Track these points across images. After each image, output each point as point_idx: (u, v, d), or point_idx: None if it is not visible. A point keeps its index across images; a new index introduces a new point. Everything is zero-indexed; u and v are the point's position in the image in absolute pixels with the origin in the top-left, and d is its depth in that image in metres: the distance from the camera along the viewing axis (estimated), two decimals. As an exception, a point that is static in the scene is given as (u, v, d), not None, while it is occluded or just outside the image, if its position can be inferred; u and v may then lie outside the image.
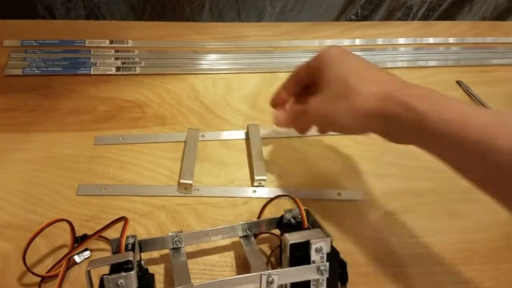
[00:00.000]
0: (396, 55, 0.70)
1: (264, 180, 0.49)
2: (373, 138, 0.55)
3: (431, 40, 0.74)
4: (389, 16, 0.89)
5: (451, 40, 0.75)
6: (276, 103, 0.47)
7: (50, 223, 0.37)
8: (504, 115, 0.30)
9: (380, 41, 0.73)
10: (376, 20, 0.88)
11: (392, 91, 0.34)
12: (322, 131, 0.43)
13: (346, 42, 0.71)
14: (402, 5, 0.87)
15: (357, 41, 0.72)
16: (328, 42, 0.70)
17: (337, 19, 0.87)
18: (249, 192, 0.49)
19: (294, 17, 0.83)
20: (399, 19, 0.89)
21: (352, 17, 0.88)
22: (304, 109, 0.40)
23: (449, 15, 0.89)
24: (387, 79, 0.36)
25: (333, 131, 0.40)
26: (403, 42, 0.73)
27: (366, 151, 0.54)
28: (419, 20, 0.89)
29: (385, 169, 0.52)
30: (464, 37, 0.76)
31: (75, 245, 0.40)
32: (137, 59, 0.61)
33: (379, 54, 0.70)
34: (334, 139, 0.55)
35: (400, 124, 0.33)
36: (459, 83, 0.66)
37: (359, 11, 0.89)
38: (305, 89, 0.44)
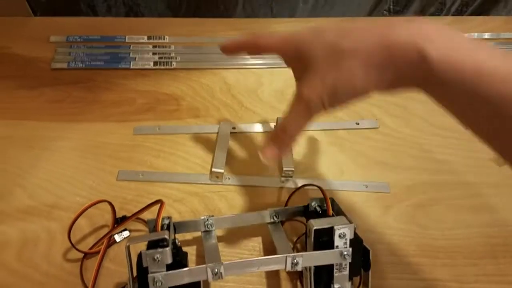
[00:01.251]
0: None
1: (292, 171, 0.51)
2: (399, 132, 0.56)
3: (465, 35, 0.74)
4: (421, 12, 0.88)
5: (486, 35, 0.75)
6: (227, 47, 0.39)
7: (94, 203, 0.41)
8: None
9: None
10: (408, 15, 0.88)
11: (399, 37, 0.29)
12: (327, 106, 0.33)
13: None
14: (435, 1, 0.87)
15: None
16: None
17: (369, 14, 0.87)
18: (277, 182, 0.51)
19: (326, 13, 0.84)
20: (432, 14, 0.88)
21: (385, 12, 0.88)
22: (299, 96, 0.33)
23: (483, 10, 0.87)
24: (385, 28, 0.30)
25: (341, 102, 0.32)
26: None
27: (391, 143, 0.55)
28: (452, 15, 0.88)
29: (410, 162, 0.53)
30: (500, 32, 0.75)
31: (115, 225, 0.44)
32: (173, 54, 0.64)
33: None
34: (360, 132, 0.56)
35: (406, 72, 0.29)
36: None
37: (391, 7, 0.88)
38: None
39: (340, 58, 0.31)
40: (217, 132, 0.55)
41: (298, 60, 0.34)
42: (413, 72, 0.29)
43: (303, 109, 0.33)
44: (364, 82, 0.31)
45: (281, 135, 0.35)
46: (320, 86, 0.32)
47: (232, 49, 0.40)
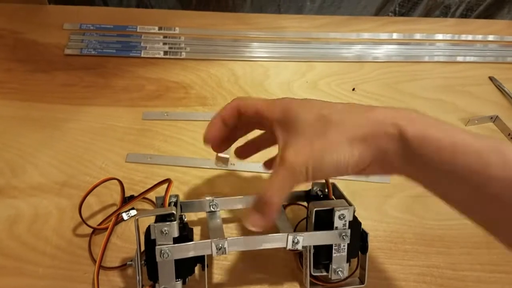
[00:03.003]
0: (432, 50, 0.72)
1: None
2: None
3: (469, 37, 0.75)
4: (426, 15, 0.90)
5: (490, 37, 0.76)
6: (210, 135, 0.39)
7: (104, 180, 0.42)
8: (499, 143, 0.27)
9: (417, 36, 0.74)
10: (414, 17, 0.89)
11: (380, 114, 0.31)
12: (310, 175, 0.32)
13: (383, 36, 0.73)
14: (440, 4, 0.88)
15: (394, 35, 0.74)
16: (366, 36, 0.72)
17: (375, 15, 0.89)
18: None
19: (332, 12, 0.86)
20: (437, 17, 0.90)
21: (390, 14, 0.90)
22: (283, 161, 0.32)
23: (487, 15, 0.89)
24: (369, 108, 0.32)
25: (323, 173, 0.32)
26: (441, 38, 0.75)
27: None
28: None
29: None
30: (503, 35, 0.77)
31: (123, 203, 0.45)
32: (183, 45, 0.66)
33: (415, 48, 0.71)
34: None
35: (387, 147, 0.30)
36: (491, 78, 0.67)
37: (397, 9, 0.90)
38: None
39: (327, 128, 0.31)
40: (224, 120, 0.56)
41: (284, 122, 0.34)
42: (394, 149, 0.30)
43: (287, 175, 0.32)
44: (347, 155, 0.31)
45: (264, 203, 0.33)
46: (308, 151, 0.31)
47: (213, 139, 0.39)
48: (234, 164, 0.52)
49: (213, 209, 0.44)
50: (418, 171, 0.31)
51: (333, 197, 0.42)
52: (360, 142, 0.31)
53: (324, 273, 0.40)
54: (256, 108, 0.36)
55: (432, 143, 0.28)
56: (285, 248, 0.38)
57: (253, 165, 0.52)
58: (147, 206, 0.48)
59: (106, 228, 0.45)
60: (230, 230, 0.47)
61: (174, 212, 0.37)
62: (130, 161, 0.51)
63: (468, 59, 0.71)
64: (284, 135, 0.34)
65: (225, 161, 0.51)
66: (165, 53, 0.65)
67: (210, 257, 0.42)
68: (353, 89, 0.62)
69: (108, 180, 0.43)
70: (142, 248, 0.38)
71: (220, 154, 0.51)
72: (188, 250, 0.37)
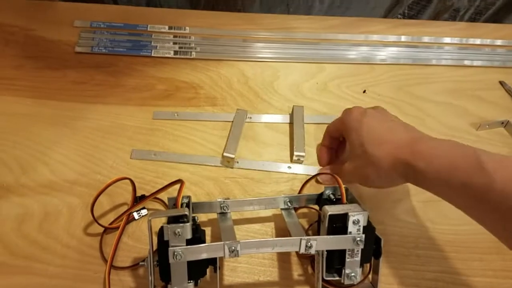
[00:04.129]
0: (440, 53, 0.71)
1: (302, 156, 0.52)
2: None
3: (477, 41, 0.75)
4: (435, 17, 0.90)
5: (498, 42, 0.76)
6: (323, 161, 0.53)
7: (117, 180, 0.42)
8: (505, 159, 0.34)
9: (426, 39, 0.74)
10: (423, 20, 0.89)
11: (400, 152, 0.40)
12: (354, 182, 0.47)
13: (392, 38, 0.73)
14: (449, 7, 0.88)
15: (403, 38, 0.73)
16: (375, 37, 0.72)
17: (384, 17, 0.89)
18: (284, 168, 0.53)
19: (341, 13, 0.85)
20: (446, 20, 0.89)
21: (399, 16, 0.90)
22: (341, 172, 0.47)
23: (496, 19, 0.89)
24: (396, 138, 0.42)
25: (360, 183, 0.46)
26: (449, 42, 0.74)
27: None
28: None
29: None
30: (512, 40, 0.77)
31: (135, 203, 0.45)
32: (193, 45, 0.66)
33: (423, 51, 0.71)
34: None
35: (414, 177, 0.39)
36: (501, 83, 0.66)
37: (406, 11, 0.90)
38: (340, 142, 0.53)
39: (366, 159, 0.43)
40: (233, 120, 0.56)
41: (343, 131, 0.48)
42: (406, 177, 0.40)
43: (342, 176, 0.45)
44: (374, 183, 0.44)
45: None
46: (350, 175, 0.46)
47: (326, 163, 0.53)
48: (238, 162, 0.52)
49: (224, 211, 0.44)
50: (424, 185, 0.40)
51: (346, 201, 0.42)
52: (388, 176, 0.42)
53: (337, 278, 0.40)
54: (336, 129, 0.50)
55: (436, 168, 0.38)
56: (297, 252, 0.38)
57: (257, 163, 0.52)
58: (158, 206, 0.47)
59: (117, 228, 0.44)
60: (240, 232, 0.46)
61: (187, 213, 0.37)
62: (135, 158, 0.51)
63: (475, 63, 0.70)
64: (349, 146, 0.48)
65: (230, 160, 0.51)
66: (175, 52, 0.64)
67: (221, 258, 0.42)
68: (364, 91, 0.62)
69: (120, 179, 0.43)
70: (154, 248, 0.38)
71: (226, 154, 0.51)
72: (201, 252, 0.37)
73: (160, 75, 0.61)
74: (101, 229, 0.44)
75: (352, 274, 0.39)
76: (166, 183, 0.43)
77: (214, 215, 0.46)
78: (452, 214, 0.49)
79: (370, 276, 0.42)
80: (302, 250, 0.38)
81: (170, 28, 0.68)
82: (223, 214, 0.44)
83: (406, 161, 0.39)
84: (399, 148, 0.40)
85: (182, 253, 0.36)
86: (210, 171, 0.51)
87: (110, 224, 0.45)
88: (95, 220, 0.43)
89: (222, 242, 0.37)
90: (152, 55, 0.63)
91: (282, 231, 0.47)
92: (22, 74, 0.58)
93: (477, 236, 0.47)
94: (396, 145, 0.41)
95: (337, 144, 0.53)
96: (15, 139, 0.52)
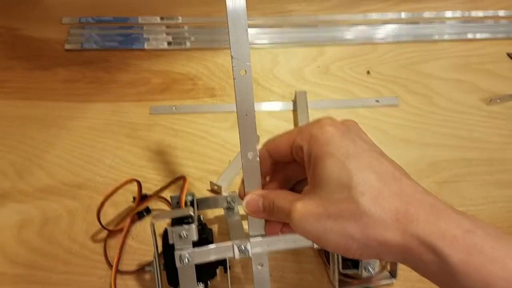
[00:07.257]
0: (443, 28, 0.69)
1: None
2: (420, 109, 0.55)
3: (480, 13, 0.73)
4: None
5: (501, 13, 0.73)
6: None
7: (126, 182, 0.40)
8: None
9: (426, 14, 0.71)
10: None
11: (413, 221, 0.23)
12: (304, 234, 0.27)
13: (391, 15, 0.70)
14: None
15: (403, 14, 0.71)
16: (374, 16, 0.70)
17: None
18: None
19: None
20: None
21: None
22: (287, 212, 0.27)
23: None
24: (403, 193, 0.25)
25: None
26: (450, 16, 0.72)
27: (413, 121, 0.54)
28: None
29: (433, 139, 0.52)
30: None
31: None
32: (187, 34, 0.64)
33: (425, 27, 0.69)
34: (380, 110, 0.55)
35: (424, 268, 0.24)
36: (510, 55, 0.64)
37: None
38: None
39: (346, 215, 0.25)
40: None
41: (309, 155, 0.27)
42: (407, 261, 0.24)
43: (284, 217, 0.27)
44: (349, 250, 0.25)
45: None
46: (305, 223, 0.26)
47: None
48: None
49: (230, 205, 0.42)
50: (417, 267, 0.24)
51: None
52: (377, 247, 0.24)
53: (353, 270, 0.38)
54: (296, 149, 0.29)
55: (469, 275, 0.22)
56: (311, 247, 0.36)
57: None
58: (161, 205, 0.46)
59: (121, 230, 0.43)
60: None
61: (192, 213, 0.35)
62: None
63: (478, 35, 0.68)
64: (304, 168, 0.28)
65: (219, 188, 0.47)
66: (169, 43, 0.62)
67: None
68: (368, 72, 0.60)
69: (128, 182, 0.41)
70: (159, 250, 0.36)
71: (214, 182, 0.47)
72: (209, 254, 0.34)
73: (155, 68, 0.59)
74: (103, 232, 0.43)
75: (369, 266, 0.37)
76: (168, 180, 0.41)
77: (220, 211, 0.44)
78: (468, 194, 0.47)
79: (387, 265, 0.40)
80: (316, 245, 0.36)
81: (162, 18, 0.66)
82: (230, 209, 0.42)
83: (431, 245, 0.23)
84: (416, 216, 0.24)
85: (189, 257, 0.34)
86: (213, 165, 0.49)
87: (115, 226, 0.43)
88: (101, 224, 0.41)
89: (230, 242, 0.35)
90: (145, 47, 0.61)
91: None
92: (12, 76, 0.56)
93: (494, 215, 0.45)
94: (409, 207, 0.24)
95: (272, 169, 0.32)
96: (8, 143, 0.50)
